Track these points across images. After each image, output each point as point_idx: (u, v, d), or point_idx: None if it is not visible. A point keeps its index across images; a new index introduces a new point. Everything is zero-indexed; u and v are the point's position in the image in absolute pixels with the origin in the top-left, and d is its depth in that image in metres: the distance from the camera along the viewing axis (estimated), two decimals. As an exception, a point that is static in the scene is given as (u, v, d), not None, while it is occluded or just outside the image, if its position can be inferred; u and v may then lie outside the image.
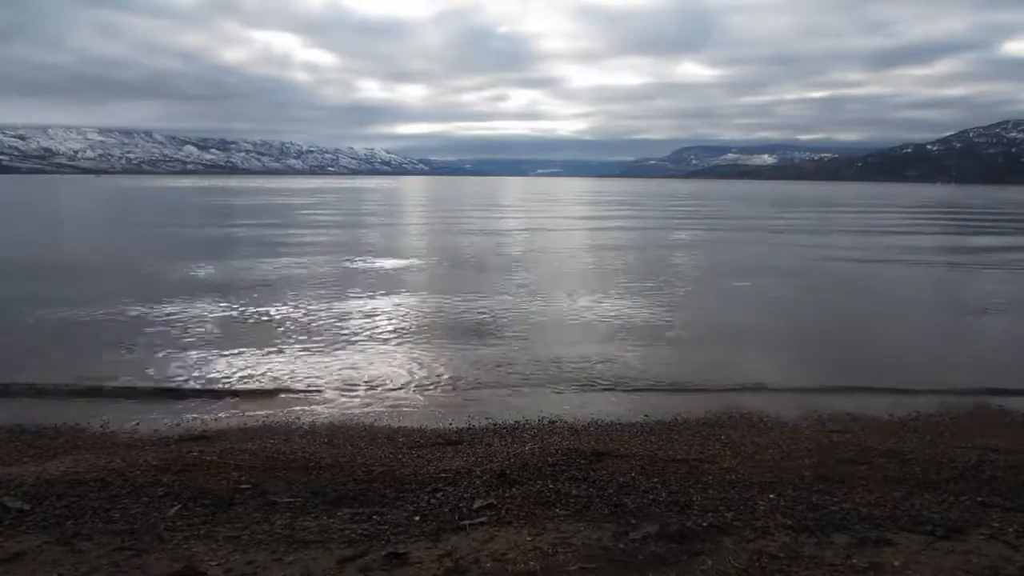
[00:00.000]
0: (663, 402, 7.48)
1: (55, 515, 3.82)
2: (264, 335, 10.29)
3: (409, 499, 4.18)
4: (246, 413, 7.07)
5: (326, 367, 8.70)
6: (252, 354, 9.24)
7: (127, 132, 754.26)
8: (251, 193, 77.43)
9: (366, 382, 8.12)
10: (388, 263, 19.00)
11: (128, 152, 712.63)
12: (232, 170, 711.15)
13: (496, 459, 5.08)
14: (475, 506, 4.01)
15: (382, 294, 13.99)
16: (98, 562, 3.25)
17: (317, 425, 6.64)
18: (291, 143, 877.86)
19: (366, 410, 7.22)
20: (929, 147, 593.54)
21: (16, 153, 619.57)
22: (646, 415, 6.95)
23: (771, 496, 4.17)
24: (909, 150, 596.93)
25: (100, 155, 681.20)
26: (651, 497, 4.15)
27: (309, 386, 7.95)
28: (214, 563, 3.25)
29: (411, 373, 8.48)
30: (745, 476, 4.62)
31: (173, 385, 7.93)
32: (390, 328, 10.92)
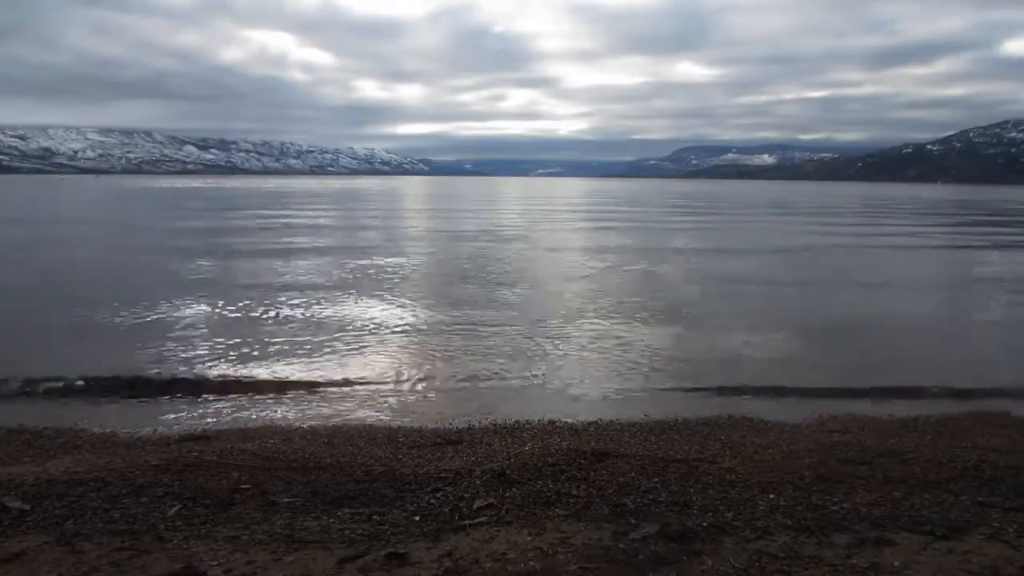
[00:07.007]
0: (663, 402, 7.48)
1: (55, 515, 3.82)
2: (264, 336, 10.29)
3: (409, 499, 4.18)
4: (246, 413, 7.07)
5: (326, 367, 8.71)
6: (252, 354, 9.24)
7: (127, 132, 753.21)
8: (233, 203, 77.52)
9: (367, 382, 8.12)
10: (393, 260, 19.02)
11: (128, 152, 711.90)
12: (232, 170, 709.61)
13: (496, 459, 5.08)
14: (475, 506, 4.00)
15: (382, 297, 13.99)
16: (98, 562, 3.25)
17: (317, 425, 6.64)
18: (291, 143, 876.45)
19: (366, 410, 7.22)
20: (929, 147, 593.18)
21: (16, 153, 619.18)
22: (646, 415, 6.95)
23: (771, 496, 4.17)
24: (909, 150, 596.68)
25: (100, 155, 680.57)
26: (651, 497, 4.14)
27: (309, 386, 7.95)
28: (214, 563, 3.25)
29: (411, 373, 8.48)
30: (745, 476, 4.62)
31: (173, 385, 7.92)
32: (391, 330, 10.92)
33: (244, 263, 18.91)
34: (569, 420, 6.73)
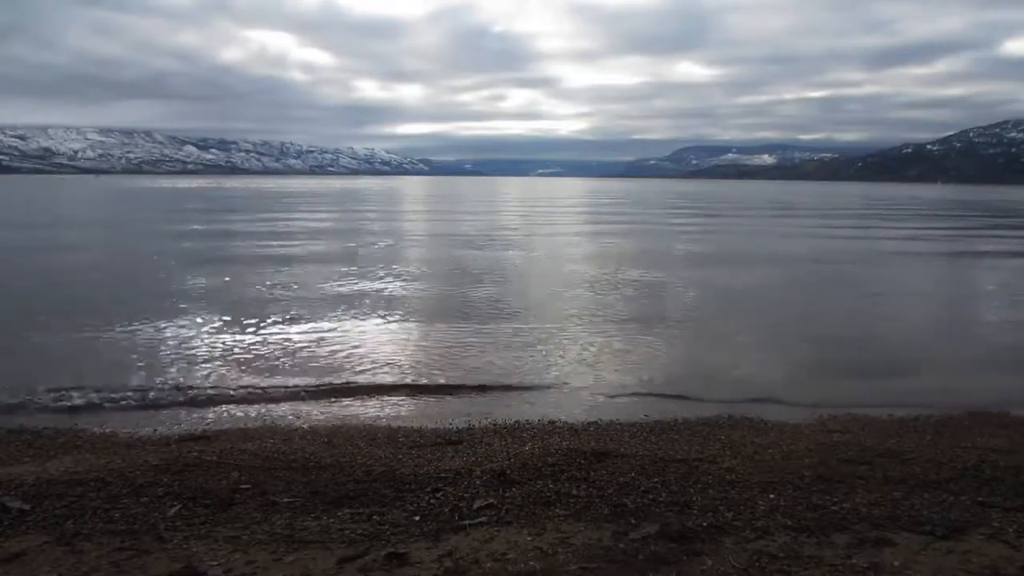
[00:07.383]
0: (663, 402, 7.48)
1: (55, 515, 3.82)
2: (264, 337, 10.30)
3: (409, 499, 4.18)
4: (246, 413, 7.08)
5: (326, 368, 8.70)
6: (252, 355, 9.25)
7: (127, 132, 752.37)
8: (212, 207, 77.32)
9: (367, 383, 8.12)
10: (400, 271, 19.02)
11: (128, 152, 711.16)
12: (232, 170, 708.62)
13: (496, 459, 5.08)
14: (475, 506, 4.01)
15: (382, 299, 13.99)
16: (98, 562, 3.25)
17: (317, 425, 6.64)
18: (291, 143, 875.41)
19: (366, 410, 7.22)
20: (929, 147, 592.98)
21: (16, 153, 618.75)
22: (646, 415, 6.95)
23: (771, 496, 4.17)
24: (909, 150, 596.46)
25: (100, 155, 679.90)
26: (651, 497, 4.14)
27: (309, 386, 7.95)
28: (214, 563, 3.25)
29: (411, 374, 8.48)
30: (745, 476, 4.62)
31: (173, 386, 7.92)
32: (390, 331, 10.93)
33: (244, 265, 18.92)
34: (569, 420, 6.73)
